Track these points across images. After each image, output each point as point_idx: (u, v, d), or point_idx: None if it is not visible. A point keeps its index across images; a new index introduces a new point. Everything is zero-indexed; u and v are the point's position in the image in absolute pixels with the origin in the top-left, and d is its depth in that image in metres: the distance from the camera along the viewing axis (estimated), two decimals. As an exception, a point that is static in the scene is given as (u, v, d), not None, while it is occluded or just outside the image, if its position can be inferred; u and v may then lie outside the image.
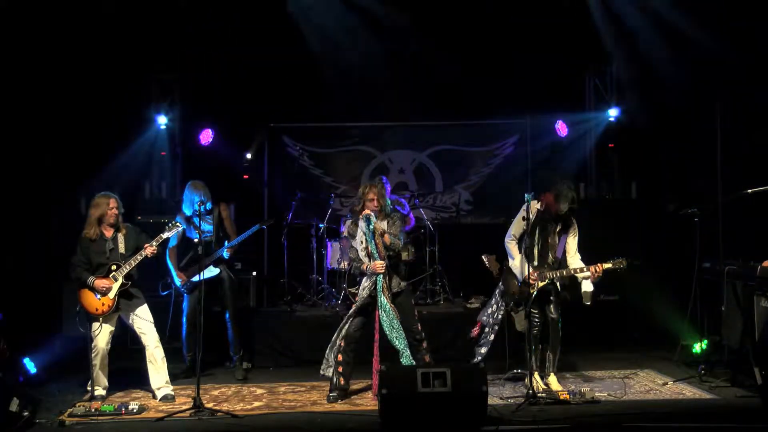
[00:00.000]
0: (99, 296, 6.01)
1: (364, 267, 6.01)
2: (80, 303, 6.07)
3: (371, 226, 5.97)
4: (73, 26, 8.17)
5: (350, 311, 6.13)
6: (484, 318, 6.46)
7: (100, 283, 6.01)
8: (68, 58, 8.32)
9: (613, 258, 5.98)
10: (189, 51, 9.03)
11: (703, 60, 8.26)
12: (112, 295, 6.02)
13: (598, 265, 5.97)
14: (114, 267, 6.07)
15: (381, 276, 5.92)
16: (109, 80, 8.71)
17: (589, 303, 6.16)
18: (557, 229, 6.20)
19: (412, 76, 9.56)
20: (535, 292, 6.08)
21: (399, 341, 5.85)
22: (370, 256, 6.01)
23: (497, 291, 6.45)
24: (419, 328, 6.07)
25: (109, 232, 6.18)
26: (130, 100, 9.07)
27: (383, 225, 6.08)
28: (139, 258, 6.08)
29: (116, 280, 6.04)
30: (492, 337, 6.39)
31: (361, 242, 6.05)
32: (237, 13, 8.85)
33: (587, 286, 6.12)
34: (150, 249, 6.09)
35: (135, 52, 8.73)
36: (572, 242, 6.22)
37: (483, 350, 6.40)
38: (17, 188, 7.95)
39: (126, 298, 6.10)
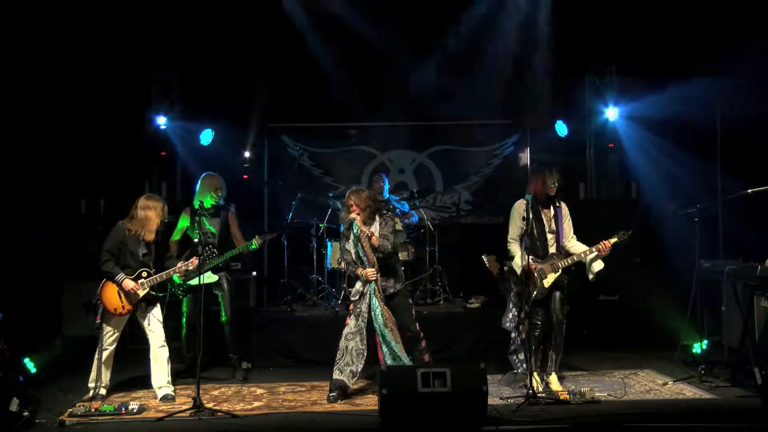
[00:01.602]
0: (122, 298, 5.97)
1: (359, 272, 6.04)
2: (100, 296, 5.99)
3: (356, 231, 6.00)
4: (74, 26, 8.17)
5: (349, 314, 6.12)
6: (508, 324, 6.41)
7: (128, 285, 5.96)
8: (68, 58, 8.32)
9: (617, 231, 6.03)
10: (189, 51, 9.03)
11: (704, 60, 8.28)
12: (135, 300, 6.02)
13: (605, 242, 6.00)
14: (144, 274, 6.03)
15: (372, 283, 5.95)
16: (109, 80, 8.71)
17: (602, 268, 6.16)
18: (551, 216, 6.22)
19: (412, 75, 9.56)
20: (547, 287, 6.05)
21: (389, 344, 5.86)
22: (360, 259, 6.05)
23: (512, 294, 6.40)
24: (417, 327, 6.07)
25: (150, 237, 6.12)
26: (130, 100, 9.07)
27: (373, 227, 6.08)
28: (172, 273, 6.12)
29: (144, 288, 6.02)
30: (520, 341, 6.35)
31: (354, 245, 6.08)
32: (237, 12, 8.85)
33: (598, 265, 6.11)
34: (183, 268, 6.13)
35: (135, 52, 8.74)
36: (567, 227, 6.24)
37: (521, 356, 6.33)
38: (17, 188, 7.95)
39: (145, 301, 6.10)
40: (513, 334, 6.37)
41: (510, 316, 6.36)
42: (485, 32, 9.30)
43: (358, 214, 6.02)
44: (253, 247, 6.81)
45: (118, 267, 6.01)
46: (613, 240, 6.02)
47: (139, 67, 8.95)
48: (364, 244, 5.98)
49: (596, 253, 6.04)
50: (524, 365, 6.31)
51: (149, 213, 6.07)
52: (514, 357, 6.39)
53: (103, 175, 8.77)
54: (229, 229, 6.98)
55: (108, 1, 8.27)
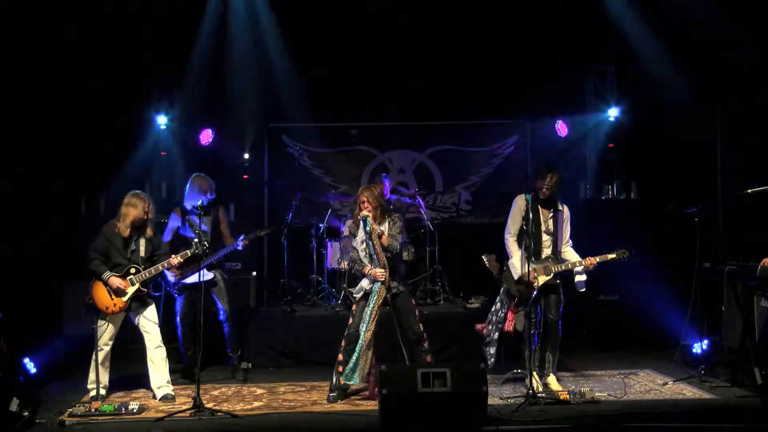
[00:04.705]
0: (113, 296, 5.98)
1: (366, 270, 6.03)
2: (91, 296, 6.00)
3: (368, 228, 5.98)
4: (74, 26, 8.17)
5: (352, 312, 6.13)
6: (489, 317, 6.45)
7: (115, 281, 5.96)
8: (68, 58, 8.32)
9: (618, 249, 6.14)
10: (189, 51, 9.03)
11: (704, 60, 8.27)
12: (126, 298, 6.00)
13: (591, 258, 6.09)
14: (133, 270, 6.03)
15: (379, 282, 5.95)
16: (110, 80, 8.70)
17: (584, 290, 6.25)
18: (549, 216, 6.22)
19: (413, 75, 9.56)
20: (536, 290, 6.07)
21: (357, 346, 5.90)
22: (370, 257, 6.03)
23: (502, 289, 6.43)
24: (421, 328, 6.07)
25: (134, 233, 6.13)
26: (130, 100, 9.06)
27: (383, 226, 6.07)
28: (161, 268, 6.10)
29: (133, 284, 6.01)
30: (496, 335, 6.37)
31: (362, 242, 6.06)
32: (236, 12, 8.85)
33: (581, 278, 6.21)
34: (175, 260, 6.12)
35: (135, 53, 8.73)
36: (566, 231, 6.27)
37: (492, 350, 6.38)
38: (17, 188, 7.94)
39: (138, 300, 6.09)
40: (491, 327, 6.40)
41: (494, 309, 6.40)
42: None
43: (370, 212, 6.00)
44: (240, 247, 6.81)
45: (105, 265, 6.01)
46: (611, 256, 6.11)
47: (139, 67, 8.94)
48: (375, 243, 5.95)
49: (582, 266, 6.11)
50: (494, 359, 6.35)
51: (128, 209, 6.08)
52: (486, 349, 6.41)
53: (103, 175, 8.76)
54: (219, 226, 6.98)
55: (108, 1, 8.26)
